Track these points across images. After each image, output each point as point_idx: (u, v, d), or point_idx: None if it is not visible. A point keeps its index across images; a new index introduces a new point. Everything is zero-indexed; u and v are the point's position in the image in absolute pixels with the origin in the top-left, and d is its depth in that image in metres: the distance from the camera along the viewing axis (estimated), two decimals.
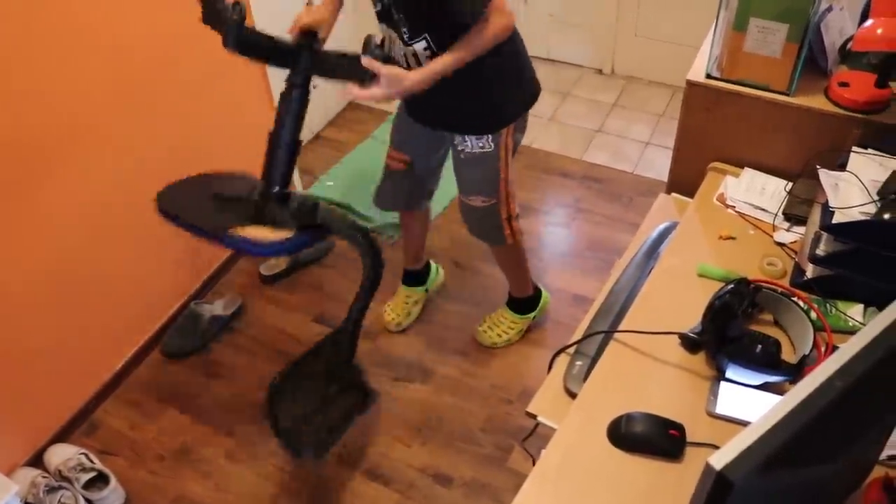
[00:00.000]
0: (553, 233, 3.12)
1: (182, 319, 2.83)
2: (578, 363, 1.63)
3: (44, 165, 2.22)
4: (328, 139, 3.66)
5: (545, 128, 3.64)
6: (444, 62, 1.87)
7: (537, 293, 2.71)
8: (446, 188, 3.20)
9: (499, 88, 2.09)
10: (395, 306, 2.82)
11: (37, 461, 2.49)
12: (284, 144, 1.95)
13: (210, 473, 2.42)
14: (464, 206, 2.36)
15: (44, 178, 2.23)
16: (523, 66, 2.15)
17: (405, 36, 1.94)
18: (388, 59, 1.83)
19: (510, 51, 2.04)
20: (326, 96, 3.47)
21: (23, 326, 2.33)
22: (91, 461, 2.44)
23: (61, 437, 2.55)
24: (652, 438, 1.36)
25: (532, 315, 2.73)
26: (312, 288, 2.99)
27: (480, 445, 2.44)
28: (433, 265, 2.89)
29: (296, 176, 3.27)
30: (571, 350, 1.67)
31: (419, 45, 1.94)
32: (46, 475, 2.42)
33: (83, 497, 2.36)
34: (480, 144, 2.18)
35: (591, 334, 1.64)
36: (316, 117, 3.64)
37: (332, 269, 3.05)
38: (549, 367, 1.70)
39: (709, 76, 1.84)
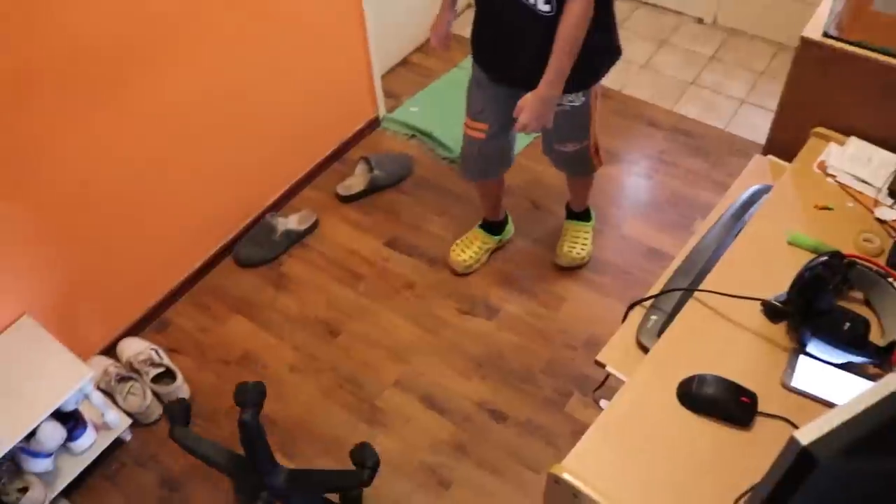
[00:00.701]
0: (634, 183, 3.06)
1: (256, 230, 2.87)
2: (654, 318, 1.60)
3: (142, 62, 2.24)
4: (415, 64, 3.62)
5: (637, 74, 3.54)
6: (561, 60, 1.94)
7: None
8: None
9: (592, 48, 2.02)
10: (468, 247, 2.79)
11: (110, 351, 2.58)
12: None
13: (271, 383, 2.47)
14: (555, 153, 2.42)
15: (140, 76, 2.26)
16: (614, 21, 2.12)
17: None
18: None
19: (605, 7, 2.01)
20: (416, 21, 3.42)
21: (108, 222, 2.39)
22: (160, 357, 2.51)
23: (134, 331, 2.64)
24: (722, 402, 1.33)
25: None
26: (387, 212, 3.00)
27: (539, 387, 2.44)
28: (509, 217, 2.87)
29: (380, 98, 3.25)
30: (647, 304, 1.64)
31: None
32: (118, 365, 2.51)
33: (151, 390, 2.45)
34: (570, 99, 2.17)
35: (671, 290, 1.60)
36: (404, 41, 3.59)
37: (409, 195, 3.05)
38: (623, 318, 1.67)
39: (826, 34, 1.75)
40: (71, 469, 2.31)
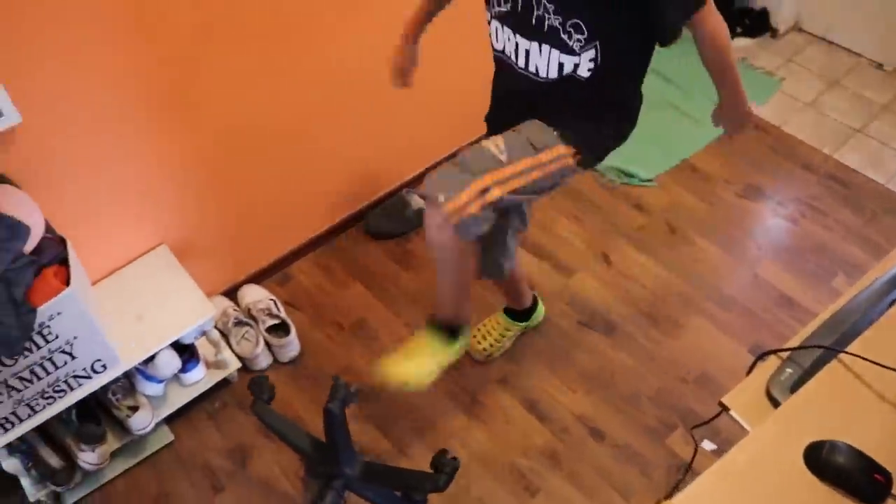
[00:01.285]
0: (778, 224, 2.93)
1: (390, 203, 2.90)
2: (789, 371, 1.52)
3: (299, 19, 2.29)
4: None
5: (800, 112, 3.39)
6: (734, 71, 1.72)
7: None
8: (675, 147, 3.08)
9: (611, 105, 1.84)
10: (489, 334, 2.52)
11: (231, 294, 2.67)
12: None
13: (380, 355, 2.49)
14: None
15: (297, 32, 2.31)
16: (637, 105, 1.91)
17: (570, 43, 1.66)
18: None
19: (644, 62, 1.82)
20: None
21: (254, 171, 2.46)
22: (278, 309, 2.58)
23: (257, 279, 2.71)
24: (853, 475, 1.26)
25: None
26: None
27: (643, 413, 2.38)
28: (539, 301, 2.58)
29: None
30: (782, 355, 1.57)
31: (586, 56, 1.67)
32: (237, 309, 2.59)
33: (264, 338, 2.51)
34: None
35: (816, 346, 1.52)
36: None
37: (550, 199, 3.01)
38: (753, 365, 1.61)
39: None
40: (178, 398, 2.40)
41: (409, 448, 2.34)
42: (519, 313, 2.51)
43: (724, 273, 2.74)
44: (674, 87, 3.38)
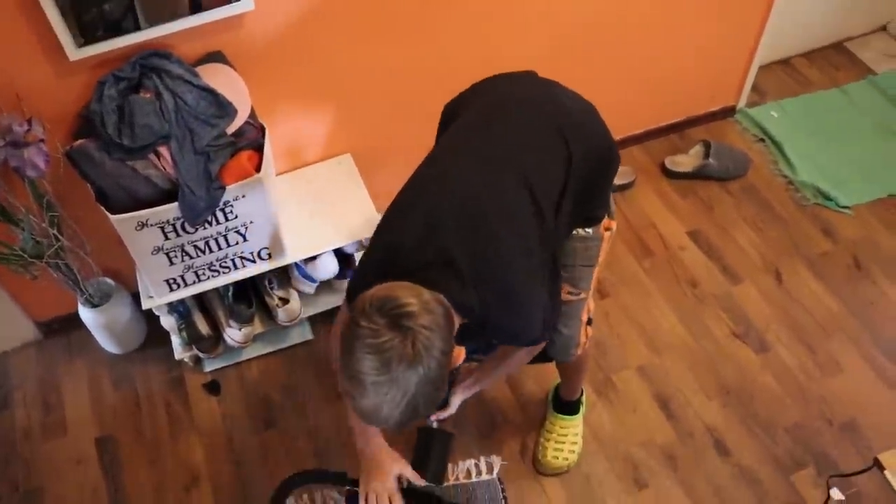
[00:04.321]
0: None
1: None
2: None
3: None
4: (796, 69, 3.36)
5: None
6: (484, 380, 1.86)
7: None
8: (885, 179, 2.89)
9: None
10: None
11: None
12: None
13: None
14: None
15: None
16: None
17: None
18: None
19: None
20: (822, 23, 3.18)
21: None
22: None
23: None
24: None
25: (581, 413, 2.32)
26: (704, 203, 2.87)
27: (776, 443, 2.28)
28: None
29: (746, 88, 3.07)
30: None
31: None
32: None
33: None
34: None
35: None
36: (797, 39, 3.33)
37: (732, 196, 2.89)
38: None
39: None
40: (326, 302, 2.50)
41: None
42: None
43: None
44: None
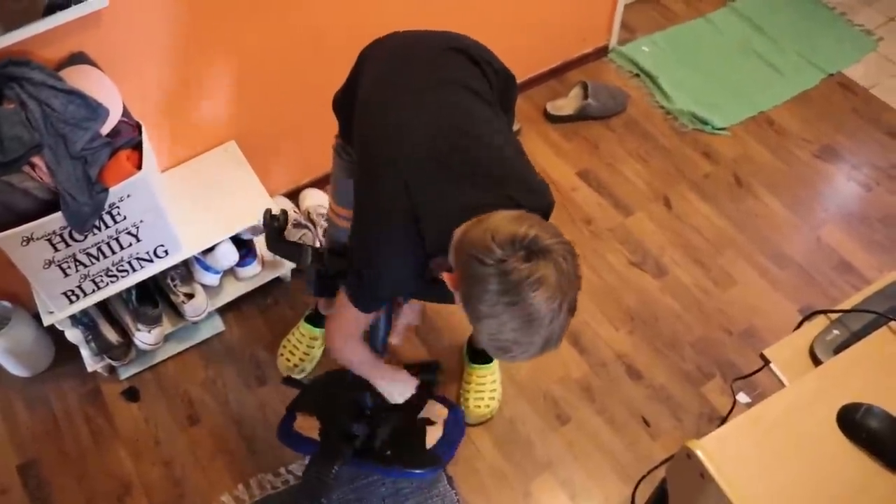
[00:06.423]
0: (849, 189, 2.86)
1: None
2: (836, 332, 1.52)
3: None
4: (660, 3, 3.46)
5: (893, 77, 3.25)
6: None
7: None
8: (754, 98, 3.00)
9: None
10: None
11: (293, 196, 2.71)
12: None
13: None
14: None
15: None
16: None
17: None
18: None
19: None
20: None
21: (328, 76, 2.47)
22: None
23: (320, 184, 2.75)
24: (884, 440, 1.27)
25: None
26: (588, 143, 2.96)
27: (683, 359, 2.40)
28: None
29: (615, 27, 3.16)
30: (832, 317, 1.56)
31: None
32: (297, 211, 2.64)
33: (320, 242, 2.57)
34: None
35: (868, 311, 1.51)
36: None
37: (614, 133, 2.99)
38: (800, 323, 1.61)
39: None
40: (232, 291, 2.48)
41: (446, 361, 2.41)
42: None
43: (785, 232, 2.70)
44: (765, 37, 3.24)
